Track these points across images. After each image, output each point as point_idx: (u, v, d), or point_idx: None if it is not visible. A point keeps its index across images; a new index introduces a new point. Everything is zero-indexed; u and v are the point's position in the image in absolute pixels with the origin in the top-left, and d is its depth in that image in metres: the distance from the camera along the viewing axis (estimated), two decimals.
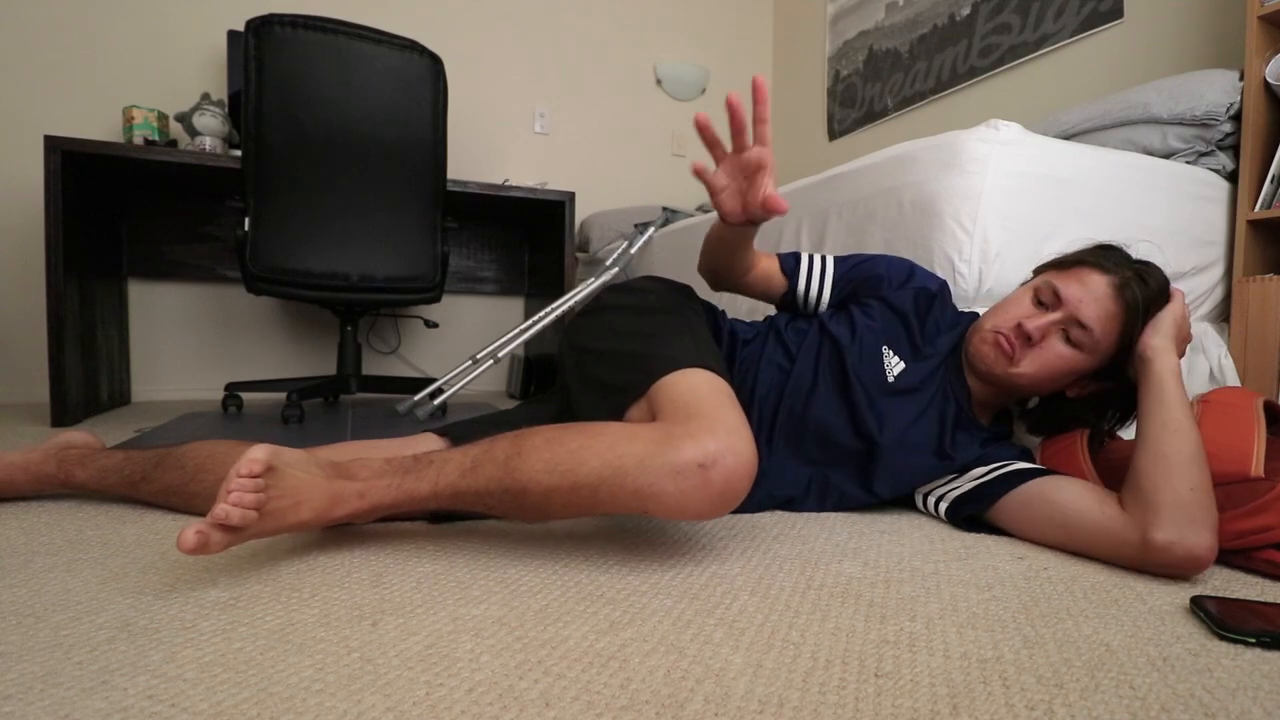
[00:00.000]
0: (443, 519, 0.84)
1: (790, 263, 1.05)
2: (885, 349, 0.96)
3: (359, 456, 0.75)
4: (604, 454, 0.64)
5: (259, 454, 0.63)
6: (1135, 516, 0.71)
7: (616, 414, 0.77)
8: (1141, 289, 0.84)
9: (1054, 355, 0.87)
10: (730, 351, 0.99)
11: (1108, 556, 0.74)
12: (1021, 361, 0.88)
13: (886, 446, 0.90)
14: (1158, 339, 0.82)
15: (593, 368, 0.85)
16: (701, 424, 0.65)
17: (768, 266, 1.03)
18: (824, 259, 1.06)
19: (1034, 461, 0.91)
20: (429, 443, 0.86)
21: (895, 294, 1.01)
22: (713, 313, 1.03)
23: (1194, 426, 0.74)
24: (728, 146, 0.79)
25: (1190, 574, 0.69)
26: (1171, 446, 0.72)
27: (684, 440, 0.63)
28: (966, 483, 0.89)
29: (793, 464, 0.94)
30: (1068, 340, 0.87)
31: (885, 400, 0.92)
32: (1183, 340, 0.85)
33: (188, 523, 0.81)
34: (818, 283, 1.04)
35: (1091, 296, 0.85)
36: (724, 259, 0.98)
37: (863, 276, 1.04)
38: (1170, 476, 0.70)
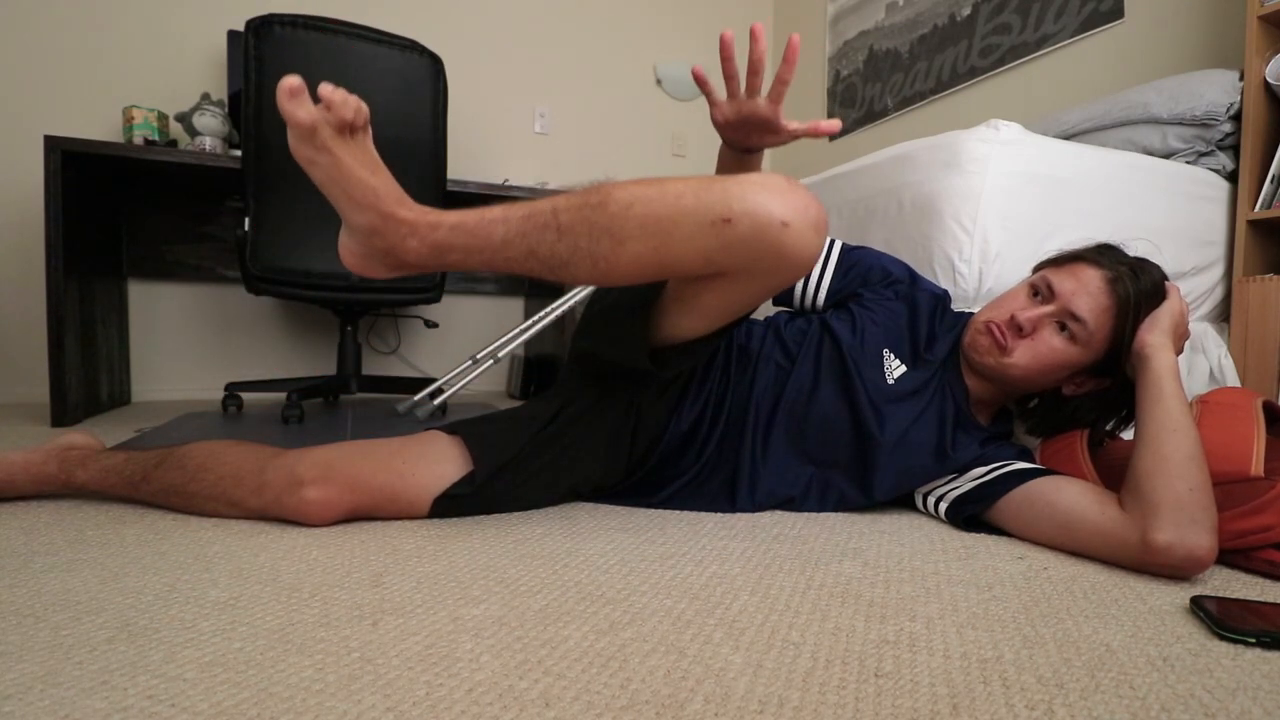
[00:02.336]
0: (445, 511, 0.84)
1: None
2: (886, 351, 0.96)
3: None
4: (691, 177, 0.65)
5: (366, 106, 0.65)
6: (1135, 517, 0.71)
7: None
8: (1134, 283, 0.84)
9: (1046, 347, 0.88)
10: (729, 351, 0.99)
11: (1108, 557, 0.74)
12: (1014, 352, 0.89)
13: (887, 447, 0.90)
14: (1155, 336, 0.82)
15: (602, 303, 0.87)
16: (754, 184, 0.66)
17: None
18: (830, 244, 1.05)
19: (1034, 461, 0.91)
20: (435, 440, 0.86)
21: (899, 297, 1.01)
22: None
23: (1193, 425, 0.74)
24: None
25: (1190, 574, 0.69)
26: (1170, 446, 0.72)
27: (765, 172, 0.66)
28: (966, 483, 0.89)
29: (793, 464, 0.94)
30: (1061, 333, 0.87)
31: (886, 403, 0.92)
32: (1180, 337, 0.85)
33: (188, 522, 0.81)
34: (817, 273, 1.03)
35: (1084, 289, 0.85)
36: None
37: (866, 269, 1.03)
38: (1170, 477, 0.70)
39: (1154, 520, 0.69)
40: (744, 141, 0.83)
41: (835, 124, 0.76)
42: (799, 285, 1.04)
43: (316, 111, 0.62)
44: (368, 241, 0.67)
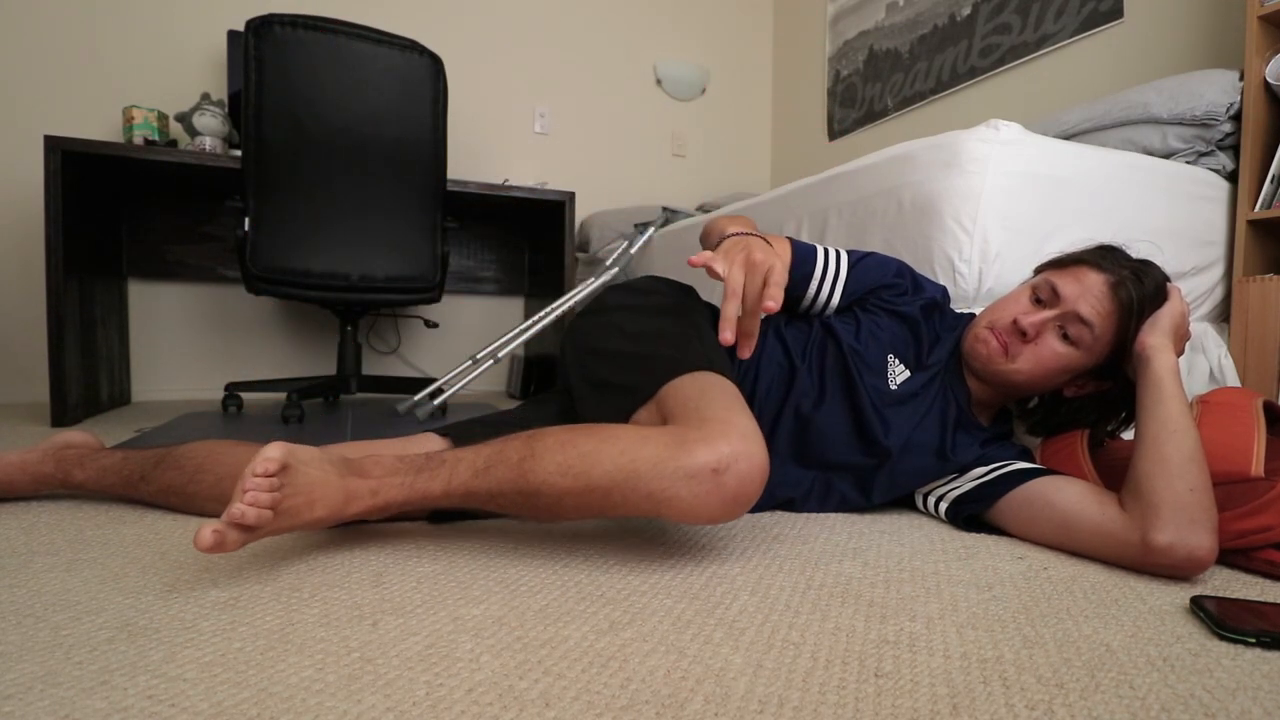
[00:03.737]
0: (443, 518, 0.84)
1: (802, 268, 0.98)
2: (891, 357, 0.95)
3: (371, 454, 0.75)
4: (617, 458, 0.64)
5: (274, 453, 0.63)
6: (1135, 518, 0.71)
7: (623, 416, 0.77)
8: (1137, 287, 0.84)
9: (1050, 352, 0.87)
10: (729, 350, 0.98)
11: (1108, 557, 0.74)
12: (1018, 358, 0.88)
13: (892, 452, 0.90)
14: (1156, 337, 0.82)
15: (598, 369, 0.85)
16: (714, 428, 0.65)
17: None
18: (838, 264, 1.00)
19: (1034, 461, 0.91)
20: (431, 443, 0.86)
21: (904, 303, 1.00)
22: (715, 312, 1.03)
23: (1193, 426, 0.74)
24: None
25: (1191, 575, 0.69)
26: (1171, 447, 0.72)
27: (697, 444, 0.64)
28: (966, 483, 0.89)
29: (795, 466, 0.94)
30: (1064, 337, 0.87)
31: (889, 408, 0.92)
32: (1181, 339, 0.85)
33: (188, 522, 0.81)
34: (826, 292, 1.00)
35: (1088, 294, 0.85)
36: None
37: (871, 280, 1.01)
38: (1170, 477, 0.70)
39: (1154, 521, 0.69)
40: None
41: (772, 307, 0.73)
42: (806, 298, 1.00)
43: (240, 537, 0.60)
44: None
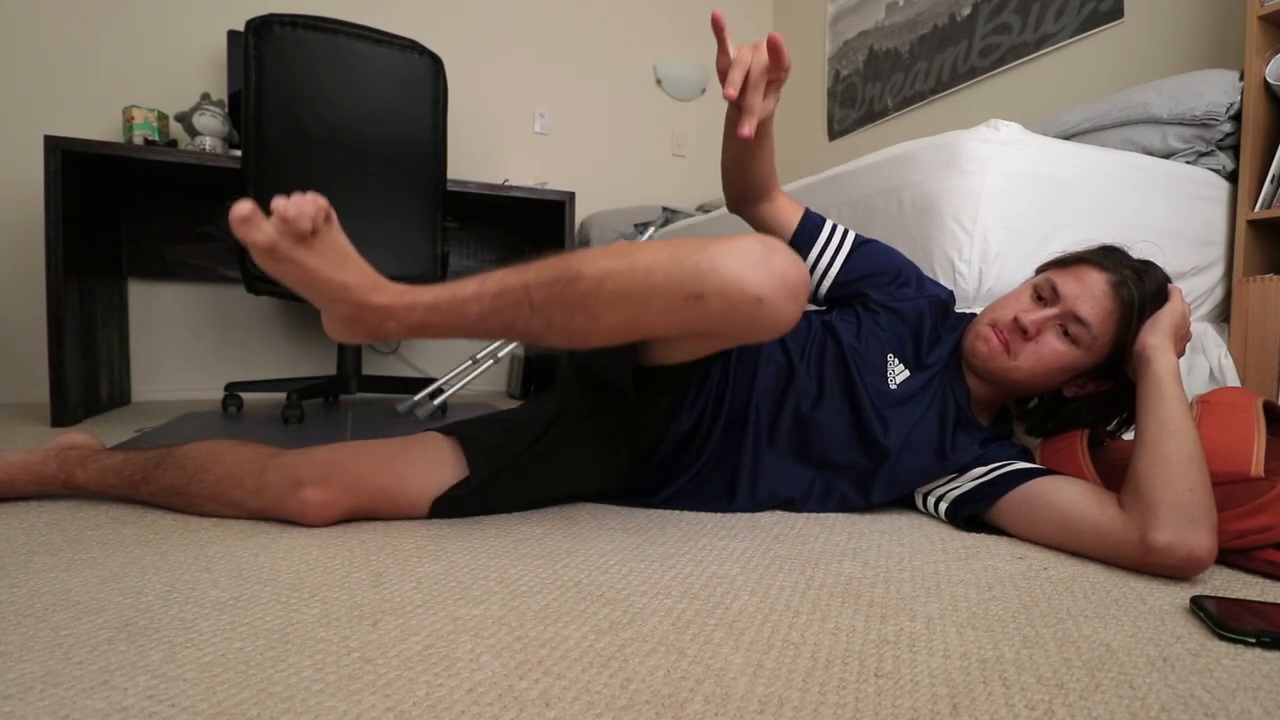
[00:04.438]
0: (445, 514, 0.84)
1: (808, 230, 1.02)
2: (890, 356, 0.95)
3: None
4: (662, 245, 0.64)
5: (324, 200, 0.64)
6: (1134, 517, 0.71)
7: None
8: (1138, 287, 0.84)
9: (1050, 351, 0.87)
10: (729, 351, 0.98)
11: (1107, 557, 0.74)
12: (1019, 355, 0.89)
13: (891, 452, 0.90)
14: (1156, 338, 0.82)
15: None
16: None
17: (784, 216, 1.01)
18: (844, 239, 1.03)
19: (1034, 461, 0.91)
20: (434, 441, 0.86)
21: (905, 298, 1.00)
22: None
23: (1192, 426, 0.74)
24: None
25: (1190, 575, 0.69)
26: (1171, 447, 0.72)
27: (741, 235, 0.64)
28: (966, 483, 0.89)
29: (795, 466, 0.94)
30: (1064, 336, 0.87)
31: (889, 408, 0.92)
32: (1182, 339, 0.85)
33: (188, 522, 0.81)
34: (826, 261, 1.01)
35: (1089, 293, 0.85)
36: (731, 176, 0.99)
37: (876, 265, 1.02)
38: (1169, 477, 0.70)
39: (1153, 521, 0.69)
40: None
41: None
42: (807, 262, 1.01)
43: (271, 230, 0.61)
44: (348, 326, 0.70)
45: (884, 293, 1.00)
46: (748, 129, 0.74)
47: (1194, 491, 0.69)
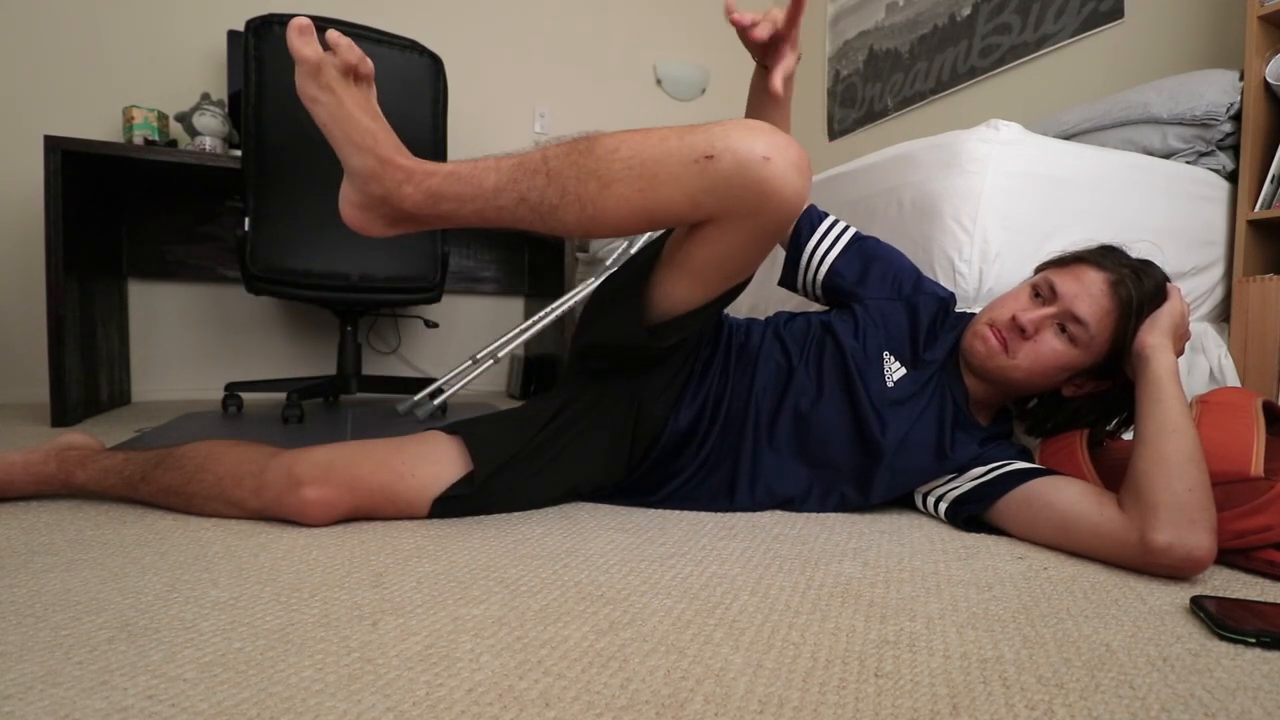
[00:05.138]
0: (445, 513, 0.84)
1: (811, 218, 1.05)
2: (886, 354, 0.95)
3: None
4: (674, 127, 0.67)
5: (371, 62, 0.69)
6: (1134, 517, 0.71)
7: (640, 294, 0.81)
8: (1136, 286, 0.84)
9: (1048, 350, 0.87)
10: (727, 349, 0.98)
11: (1106, 557, 0.74)
12: (1017, 354, 0.89)
13: (889, 451, 0.90)
14: (1155, 337, 0.82)
15: (604, 291, 0.90)
16: None
17: None
18: (845, 229, 1.05)
19: (1033, 461, 0.91)
20: (436, 440, 0.86)
21: (903, 299, 1.00)
22: None
23: (1192, 426, 0.74)
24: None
25: (1190, 575, 0.69)
26: (1170, 447, 0.72)
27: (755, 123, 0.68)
28: (965, 483, 0.89)
29: (795, 465, 0.94)
30: (1063, 335, 0.87)
31: (886, 406, 0.92)
32: (1181, 338, 0.85)
33: (188, 522, 0.81)
34: (825, 247, 1.03)
35: (1086, 292, 0.85)
36: None
37: (874, 261, 1.03)
38: (1169, 477, 0.70)
39: (1153, 521, 0.69)
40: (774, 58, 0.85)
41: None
42: (803, 256, 1.02)
43: (321, 50, 0.66)
44: (365, 188, 0.70)
45: (880, 290, 1.00)
46: (778, 81, 0.79)
47: (1193, 491, 0.69)
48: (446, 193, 0.69)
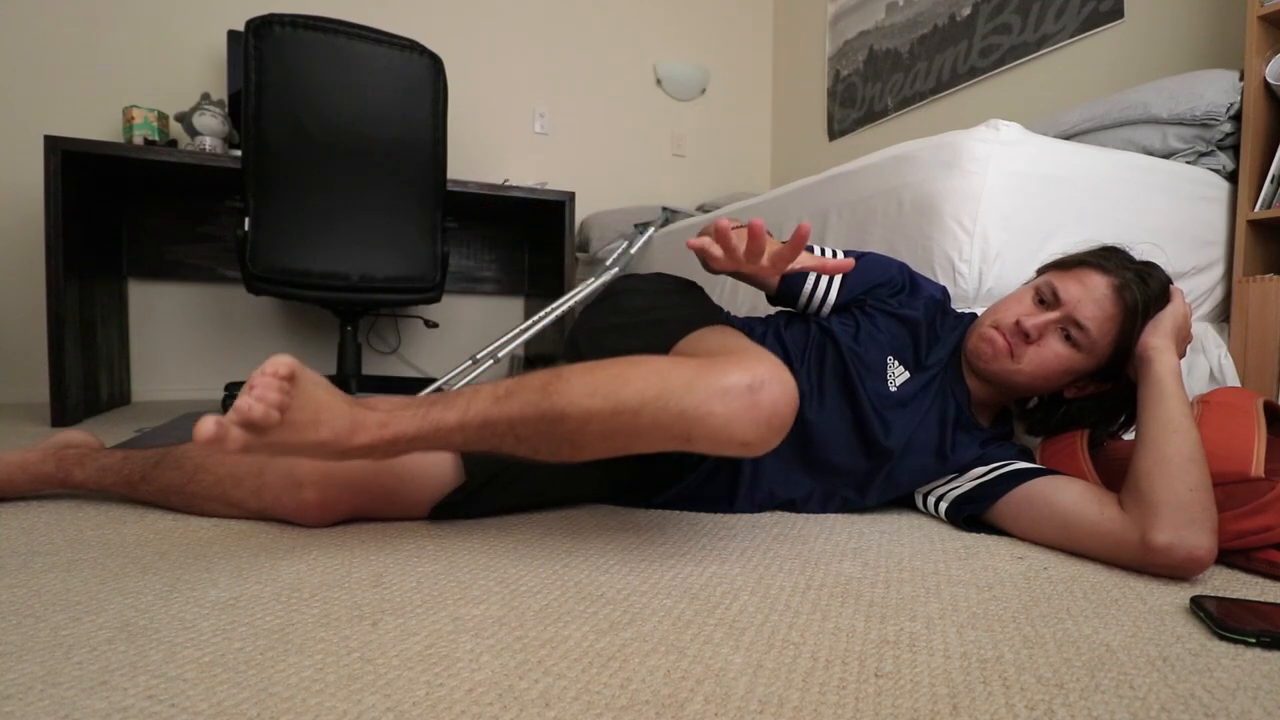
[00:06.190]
0: (444, 515, 0.84)
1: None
2: (890, 359, 0.95)
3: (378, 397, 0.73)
4: (648, 377, 0.63)
5: (285, 359, 0.60)
6: (1135, 518, 0.71)
7: None
8: (1141, 290, 0.84)
9: (1051, 354, 0.87)
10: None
11: (1107, 557, 0.74)
12: (1022, 358, 0.88)
13: (893, 454, 0.90)
14: (1157, 339, 0.82)
15: (611, 339, 0.85)
16: (745, 355, 0.65)
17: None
18: (835, 256, 1.01)
19: (1034, 461, 0.91)
20: None
21: (902, 304, 1.00)
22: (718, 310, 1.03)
23: (1194, 427, 0.74)
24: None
25: (1190, 575, 0.69)
26: (1172, 447, 0.72)
27: (730, 366, 0.62)
28: (966, 483, 0.89)
29: (796, 471, 0.93)
30: (1066, 339, 0.87)
31: (889, 409, 0.92)
32: (1183, 340, 0.85)
33: (188, 522, 0.81)
34: (824, 289, 1.00)
35: (1090, 297, 0.85)
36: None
37: (871, 281, 1.01)
38: (1170, 478, 0.70)
39: (1154, 521, 0.69)
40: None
41: (848, 263, 0.76)
42: (803, 295, 1.00)
43: (243, 435, 0.57)
44: (331, 464, 0.71)
45: (882, 301, 1.00)
46: (770, 270, 0.77)
47: (1195, 492, 0.69)
48: (415, 447, 0.67)
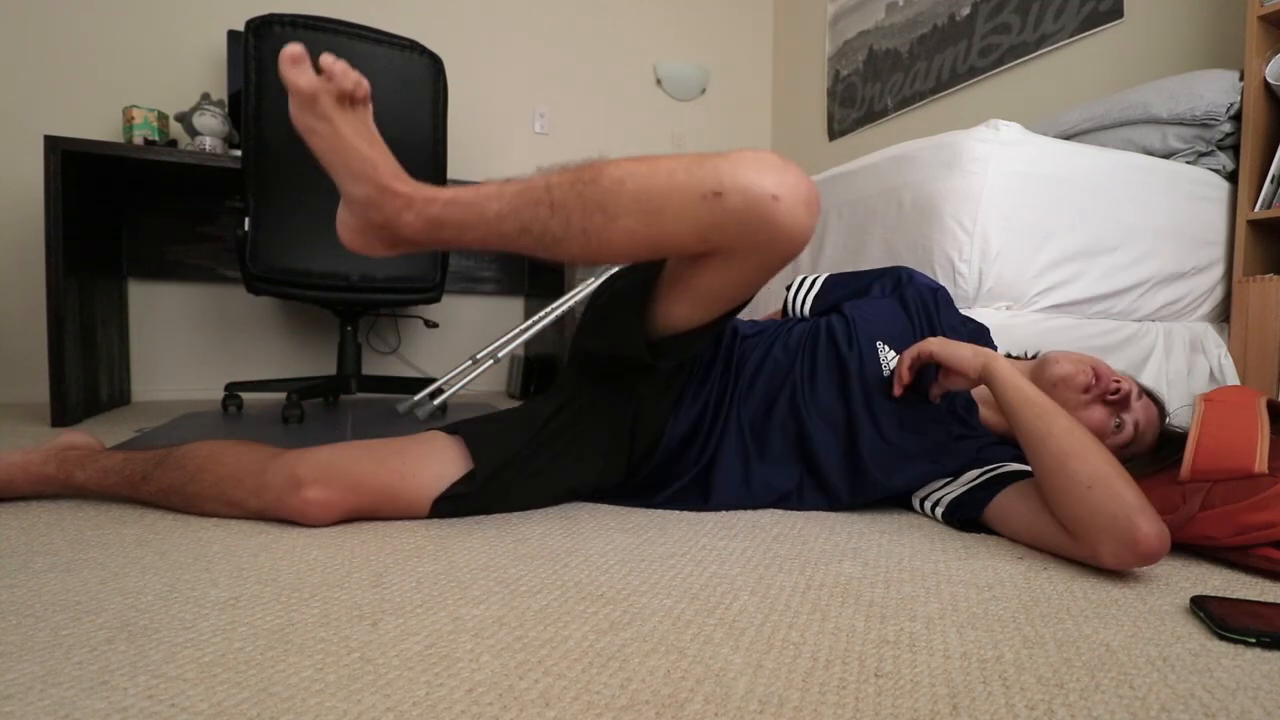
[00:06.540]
0: (445, 513, 0.84)
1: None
2: (880, 344, 0.95)
3: None
4: (681, 157, 0.65)
5: (366, 82, 0.67)
6: (1076, 538, 0.70)
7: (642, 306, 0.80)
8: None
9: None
10: (731, 345, 0.98)
11: (1081, 560, 0.73)
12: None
13: (885, 439, 0.90)
14: (969, 350, 0.85)
15: (601, 301, 0.89)
16: None
17: None
18: (815, 278, 1.12)
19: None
20: (437, 440, 0.86)
21: (893, 294, 1.01)
22: None
23: (1061, 416, 0.74)
24: None
25: (1156, 560, 0.66)
26: (1048, 455, 0.72)
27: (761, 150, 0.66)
28: (959, 487, 0.88)
29: (790, 463, 0.94)
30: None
31: (880, 398, 0.92)
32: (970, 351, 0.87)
33: (188, 522, 0.81)
34: (801, 297, 1.10)
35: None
36: None
37: (851, 291, 1.08)
38: (1064, 491, 0.69)
39: (1088, 542, 0.68)
40: None
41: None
42: (785, 307, 1.10)
43: (317, 80, 0.64)
44: (364, 215, 0.69)
45: (868, 299, 1.03)
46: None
47: (1094, 488, 0.67)
48: (447, 220, 0.68)
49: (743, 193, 0.63)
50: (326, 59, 0.65)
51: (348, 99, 0.67)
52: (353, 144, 0.66)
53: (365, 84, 0.67)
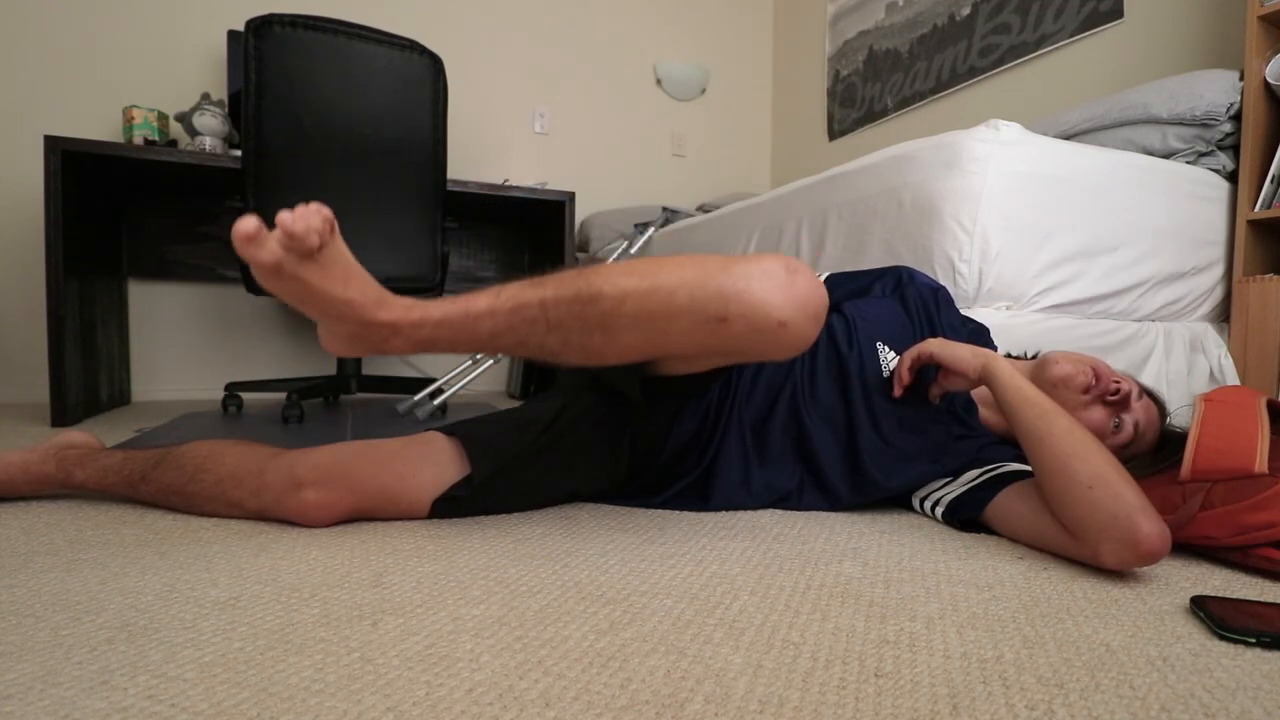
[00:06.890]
0: (445, 513, 0.84)
1: None
2: (880, 345, 0.96)
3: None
4: (684, 264, 0.62)
5: (328, 210, 0.60)
6: (1077, 539, 0.70)
7: None
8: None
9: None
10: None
11: (1082, 560, 0.73)
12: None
13: (884, 440, 0.90)
14: (968, 351, 0.85)
15: None
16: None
17: None
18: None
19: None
20: (436, 440, 0.86)
21: (894, 294, 1.01)
22: None
23: (1060, 415, 0.74)
24: None
25: (1157, 560, 0.66)
26: (1048, 455, 0.72)
27: (764, 255, 0.63)
28: (958, 487, 0.88)
29: (791, 463, 0.94)
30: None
31: (880, 398, 0.92)
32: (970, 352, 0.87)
33: (188, 522, 0.81)
34: None
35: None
36: None
37: (851, 293, 1.07)
38: (1064, 491, 0.69)
39: (1088, 543, 0.68)
40: None
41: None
42: None
43: (277, 248, 0.58)
44: (349, 342, 0.67)
45: (869, 299, 1.03)
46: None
47: (1095, 488, 0.67)
48: (439, 339, 0.66)
49: (748, 320, 0.61)
50: (283, 217, 0.57)
51: (313, 251, 0.60)
52: (327, 292, 0.61)
53: (328, 219, 0.60)
